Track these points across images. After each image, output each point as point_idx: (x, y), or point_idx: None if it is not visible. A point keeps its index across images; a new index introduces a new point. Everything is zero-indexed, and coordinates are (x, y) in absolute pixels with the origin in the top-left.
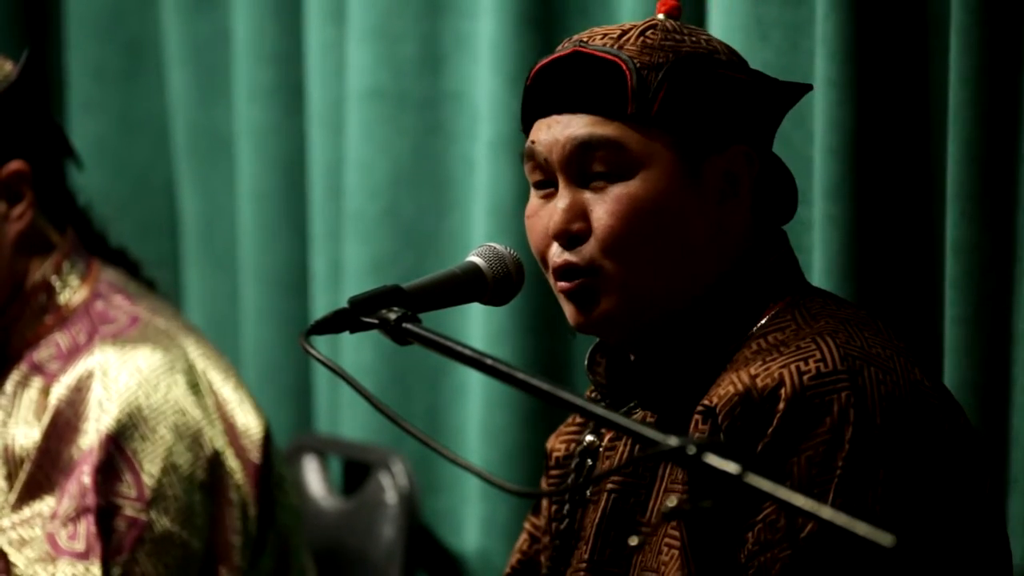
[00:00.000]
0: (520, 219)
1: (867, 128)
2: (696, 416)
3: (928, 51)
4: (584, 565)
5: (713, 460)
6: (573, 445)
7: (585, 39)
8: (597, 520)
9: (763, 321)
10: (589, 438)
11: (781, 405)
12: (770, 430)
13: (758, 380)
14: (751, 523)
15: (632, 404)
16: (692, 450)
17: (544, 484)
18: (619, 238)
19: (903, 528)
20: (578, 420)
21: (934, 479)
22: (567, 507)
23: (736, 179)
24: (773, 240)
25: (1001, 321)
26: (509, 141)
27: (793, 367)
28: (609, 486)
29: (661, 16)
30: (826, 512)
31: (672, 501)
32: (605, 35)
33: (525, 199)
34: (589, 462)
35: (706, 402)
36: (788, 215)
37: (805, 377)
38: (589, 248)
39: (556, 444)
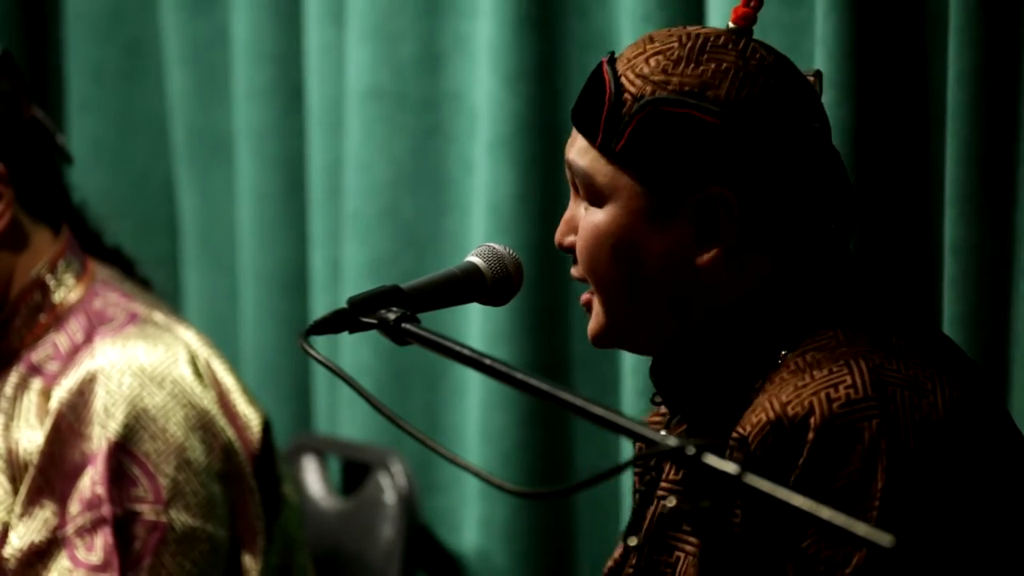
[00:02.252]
0: (519, 219)
1: (866, 128)
2: (731, 443)
3: (927, 51)
4: (631, 571)
5: (712, 461)
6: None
7: (622, 51)
8: (647, 524)
9: (803, 338)
10: (662, 433)
11: (811, 435)
12: (800, 461)
13: (788, 408)
14: (789, 554)
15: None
16: (691, 450)
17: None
18: (586, 261)
19: (951, 554)
20: (662, 411)
21: (981, 500)
22: (637, 496)
23: (712, 220)
24: (805, 271)
25: (999, 321)
26: (508, 141)
27: (823, 395)
28: (660, 492)
29: (731, 24)
30: (825, 512)
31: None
32: (635, 46)
33: (524, 200)
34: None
35: (740, 431)
36: (835, 242)
37: (835, 405)
38: (581, 265)
39: None
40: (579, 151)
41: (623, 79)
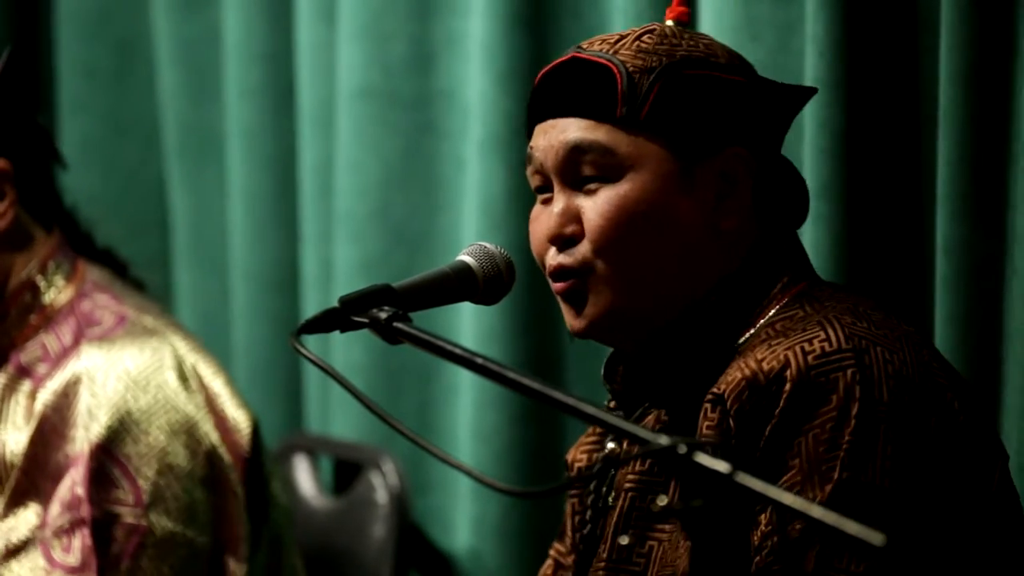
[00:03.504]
0: (511, 218)
1: (857, 127)
2: (705, 404)
3: (918, 50)
4: (603, 564)
5: (703, 459)
6: (594, 455)
7: (584, 45)
8: (615, 520)
9: (771, 312)
10: (610, 446)
11: (787, 386)
12: (777, 411)
13: (764, 364)
14: (762, 507)
15: (646, 405)
16: (683, 449)
17: (567, 498)
18: (609, 238)
19: (911, 502)
20: (598, 430)
21: (944, 457)
22: (589, 514)
23: (732, 181)
24: (781, 241)
25: (992, 320)
26: (500, 140)
27: (798, 348)
28: (627, 485)
29: (670, 22)
30: (816, 511)
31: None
32: (604, 41)
33: (516, 198)
34: (612, 471)
35: (715, 390)
36: (799, 219)
37: (810, 357)
38: (581, 249)
39: (577, 455)
40: (585, 129)
41: (619, 57)
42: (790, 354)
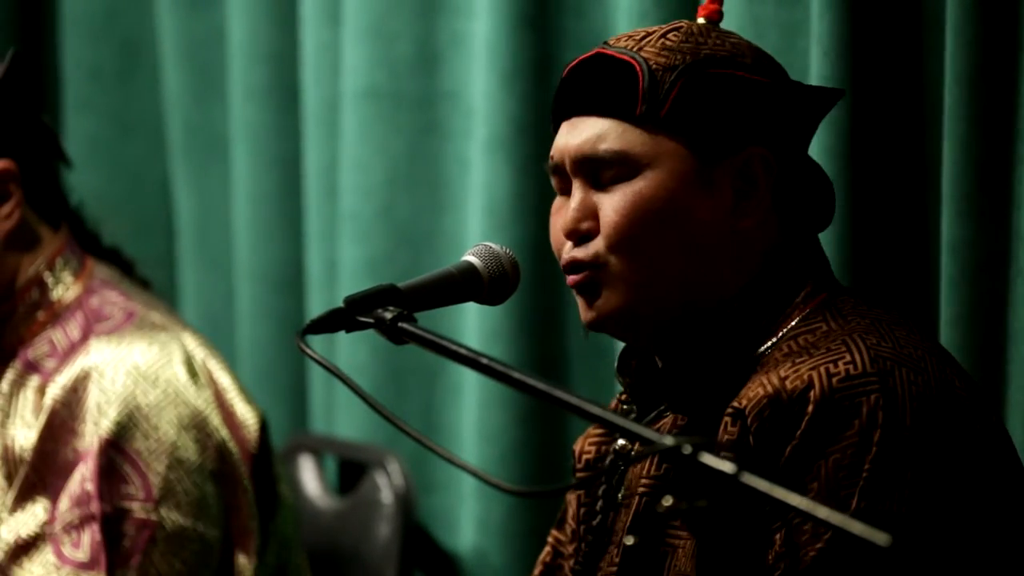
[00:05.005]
0: (515, 218)
1: (862, 127)
2: (725, 418)
3: (923, 49)
4: (614, 569)
5: (709, 459)
6: (604, 447)
7: (611, 41)
8: (628, 523)
9: (793, 323)
10: (621, 442)
11: (810, 407)
12: (798, 432)
13: (787, 382)
14: (777, 526)
15: (662, 408)
16: (688, 449)
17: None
18: (623, 234)
19: (929, 529)
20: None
21: (965, 479)
22: (600, 504)
23: (752, 182)
24: (802, 245)
25: (997, 320)
26: (504, 140)
27: (822, 369)
28: (640, 489)
29: (701, 20)
30: (822, 512)
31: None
32: (630, 37)
33: (521, 199)
34: (621, 465)
35: (736, 404)
36: (823, 222)
37: (834, 379)
38: (595, 244)
39: (585, 446)
40: (605, 129)
41: (643, 54)
42: (815, 375)
